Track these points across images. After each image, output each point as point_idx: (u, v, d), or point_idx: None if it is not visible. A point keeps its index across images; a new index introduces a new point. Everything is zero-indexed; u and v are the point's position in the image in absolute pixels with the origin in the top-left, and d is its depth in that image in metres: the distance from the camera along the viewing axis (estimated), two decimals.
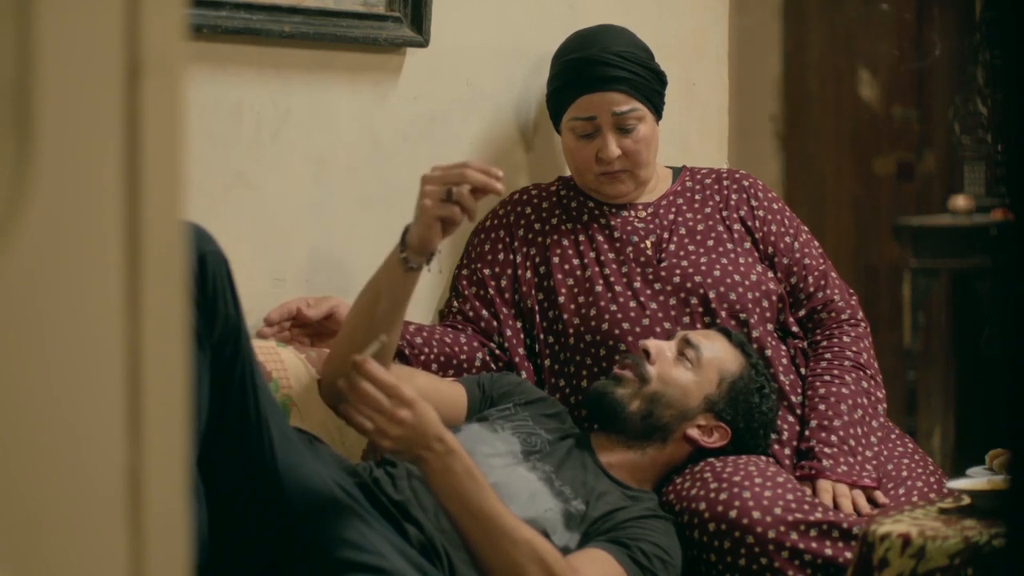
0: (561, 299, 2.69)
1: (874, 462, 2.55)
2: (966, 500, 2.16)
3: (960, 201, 4.01)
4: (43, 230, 0.81)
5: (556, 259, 2.73)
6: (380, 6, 2.74)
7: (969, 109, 4.11)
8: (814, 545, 2.33)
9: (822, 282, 2.76)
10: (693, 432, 2.46)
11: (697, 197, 2.81)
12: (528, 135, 3.00)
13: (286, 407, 2.37)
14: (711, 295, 2.65)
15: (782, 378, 2.63)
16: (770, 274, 2.72)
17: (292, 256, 2.65)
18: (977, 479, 2.19)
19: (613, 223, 2.76)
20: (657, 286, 2.68)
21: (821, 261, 2.79)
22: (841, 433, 2.54)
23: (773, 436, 2.56)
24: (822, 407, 2.58)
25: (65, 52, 0.82)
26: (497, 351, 2.70)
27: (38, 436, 0.82)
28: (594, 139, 2.72)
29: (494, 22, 2.95)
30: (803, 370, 2.68)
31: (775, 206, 2.82)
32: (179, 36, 0.86)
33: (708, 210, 2.79)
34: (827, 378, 2.63)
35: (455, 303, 2.75)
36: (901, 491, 2.53)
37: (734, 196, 2.81)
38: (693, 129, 3.34)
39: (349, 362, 2.06)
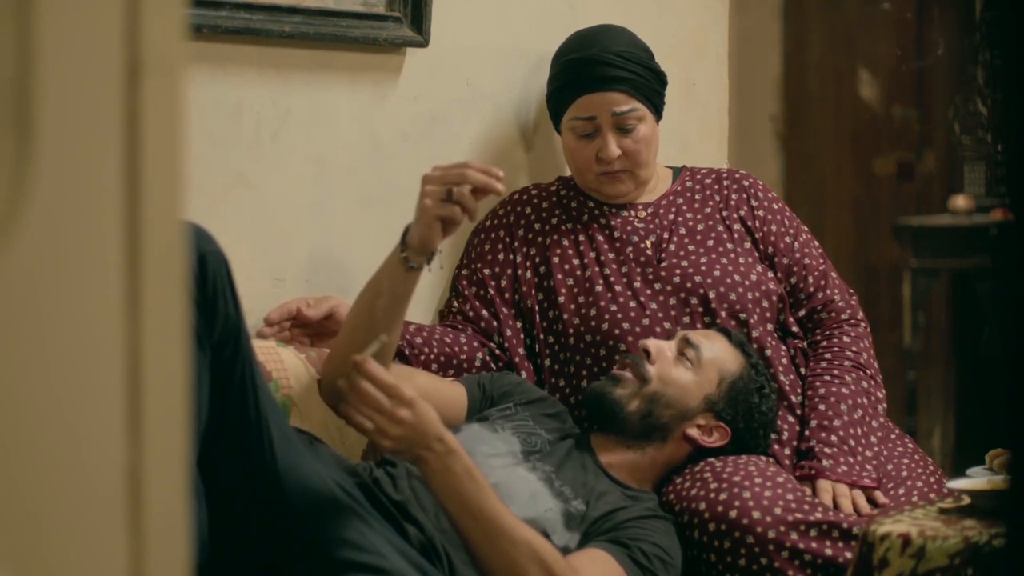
0: (561, 299, 2.69)
1: (874, 462, 2.55)
2: (966, 500, 2.16)
3: (960, 201, 4.01)
4: (43, 230, 0.81)
5: (556, 259, 2.73)
6: (380, 6, 2.74)
7: (969, 109, 4.11)
8: (814, 545, 2.32)
9: (822, 282, 2.76)
10: (693, 432, 2.46)
11: (697, 197, 2.81)
12: (528, 135, 3.00)
13: (286, 407, 2.37)
14: (711, 295, 2.65)
15: (782, 378, 2.63)
16: (770, 274, 2.72)
17: (292, 256, 2.65)
18: (977, 479, 2.19)
19: (613, 223, 2.76)
20: (657, 286, 2.68)
21: (821, 261, 2.79)
22: (841, 433, 2.54)
23: (773, 436, 2.56)
24: (822, 407, 2.58)
25: (65, 52, 0.82)
26: (497, 351, 2.70)
27: (38, 436, 0.82)
28: (594, 139, 2.72)
29: (494, 22, 2.95)
30: (803, 370, 2.68)
31: (775, 206, 2.82)
32: (179, 36, 0.86)
33: (708, 210, 2.79)
34: (827, 378, 2.63)
35: (455, 303, 2.75)
36: (901, 491, 2.53)
37: (734, 196, 2.81)
38: (693, 129, 3.34)
39: (349, 362, 2.06)
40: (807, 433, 2.56)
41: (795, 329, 2.72)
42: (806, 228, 2.84)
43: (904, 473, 2.58)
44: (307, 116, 2.65)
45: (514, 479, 2.32)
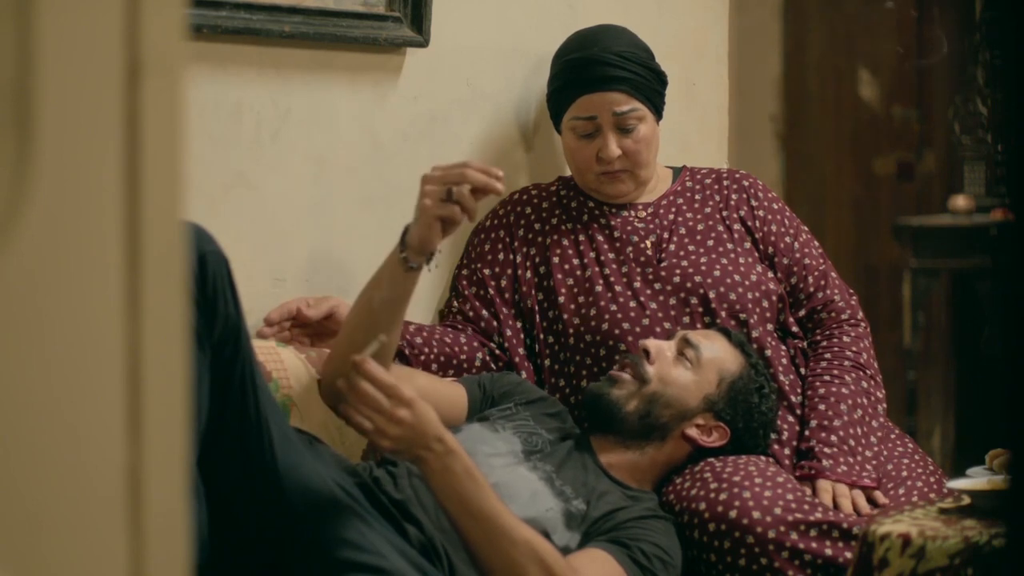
0: (561, 299, 2.69)
1: (874, 462, 2.55)
2: (966, 500, 2.16)
3: (960, 201, 4.01)
4: (43, 230, 0.81)
5: (556, 259, 2.73)
6: (380, 6, 2.74)
7: (969, 109, 4.11)
8: (814, 545, 2.32)
9: (822, 282, 2.76)
10: (692, 432, 2.46)
11: (697, 197, 2.81)
12: (528, 135, 3.00)
13: (286, 407, 2.37)
14: (711, 295, 2.65)
15: (782, 378, 2.63)
16: (770, 274, 2.72)
17: (292, 256, 2.65)
18: (977, 479, 2.19)
19: (613, 223, 2.76)
20: (657, 286, 2.68)
21: (821, 261, 2.79)
22: (841, 433, 2.54)
23: (773, 436, 2.56)
24: (822, 407, 2.58)
25: (65, 52, 0.82)
26: (497, 351, 2.70)
27: (38, 436, 0.82)
28: (594, 139, 2.72)
29: (494, 22, 2.95)
30: (803, 370, 2.68)
31: (775, 206, 2.82)
32: (179, 36, 0.86)
33: (708, 210, 2.79)
34: (827, 378, 2.63)
35: (455, 303, 2.75)
36: (901, 491, 2.53)
37: (734, 196, 2.81)
38: (693, 129, 3.34)
39: (349, 362, 2.06)
40: (807, 433, 2.56)
41: (795, 329, 2.72)
42: (806, 228, 2.84)
43: (904, 473, 2.58)
44: (307, 116, 2.65)
45: (515, 479, 2.32)
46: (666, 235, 2.75)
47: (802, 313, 2.74)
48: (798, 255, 2.77)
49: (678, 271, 2.69)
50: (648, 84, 2.73)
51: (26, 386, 0.81)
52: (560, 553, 2.16)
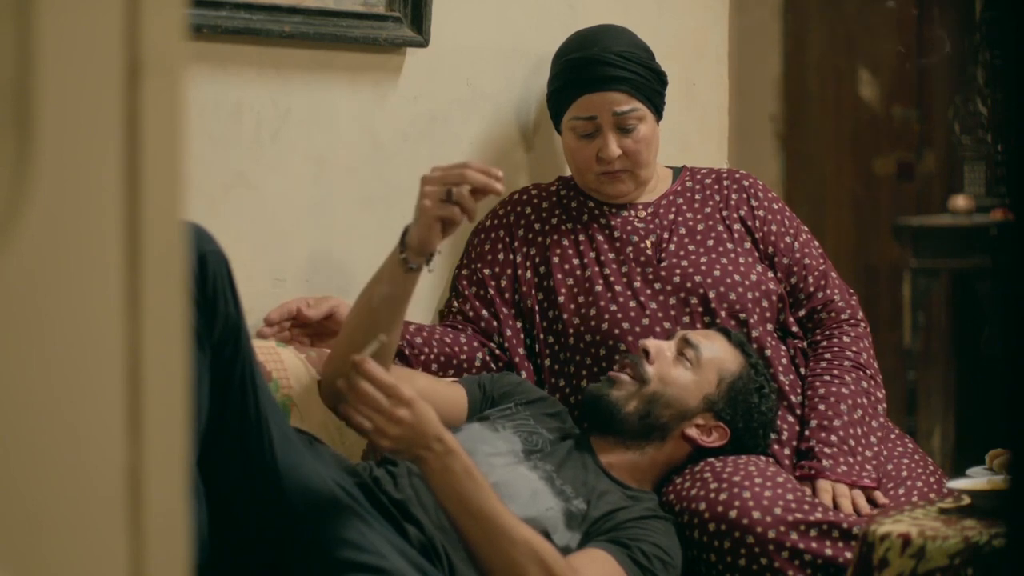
0: (561, 299, 2.69)
1: (874, 462, 2.55)
2: (966, 500, 2.16)
3: (960, 201, 4.01)
4: (43, 230, 0.81)
5: (556, 259, 2.73)
6: (380, 6, 2.74)
7: (969, 109, 4.11)
8: (814, 545, 2.32)
9: (822, 282, 2.76)
10: (692, 431, 2.46)
11: (697, 197, 2.82)
12: (528, 135, 3.00)
13: (286, 407, 2.37)
14: (711, 295, 2.65)
15: (782, 378, 2.63)
16: (770, 274, 2.73)
17: (292, 256, 2.65)
18: (977, 479, 2.19)
19: (613, 223, 2.76)
20: (657, 286, 2.68)
21: (821, 261, 2.79)
22: (841, 433, 2.54)
23: (773, 436, 2.56)
24: (822, 407, 2.58)
25: (65, 52, 0.82)
26: (497, 351, 2.70)
27: (38, 436, 0.82)
28: (595, 139, 2.72)
29: (494, 22, 2.95)
30: (803, 370, 2.68)
31: (775, 206, 2.82)
32: (179, 36, 0.86)
33: (708, 210, 2.79)
34: (827, 378, 2.63)
35: (455, 303, 2.75)
36: (901, 491, 2.53)
37: (734, 196, 2.81)
38: (693, 129, 3.34)
39: (349, 362, 2.06)
40: (807, 433, 2.56)
41: (795, 329, 2.72)
42: (806, 228, 2.84)
43: (904, 473, 2.58)
44: (307, 116, 2.65)
45: (515, 478, 2.32)
46: (666, 235, 2.75)
47: (802, 313, 2.74)
48: (798, 255, 2.77)
49: (678, 271, 2.69)
50: (648, 84, 2.73)
51: (26, 386, 0.81)
52: (560, 553, 2.16)
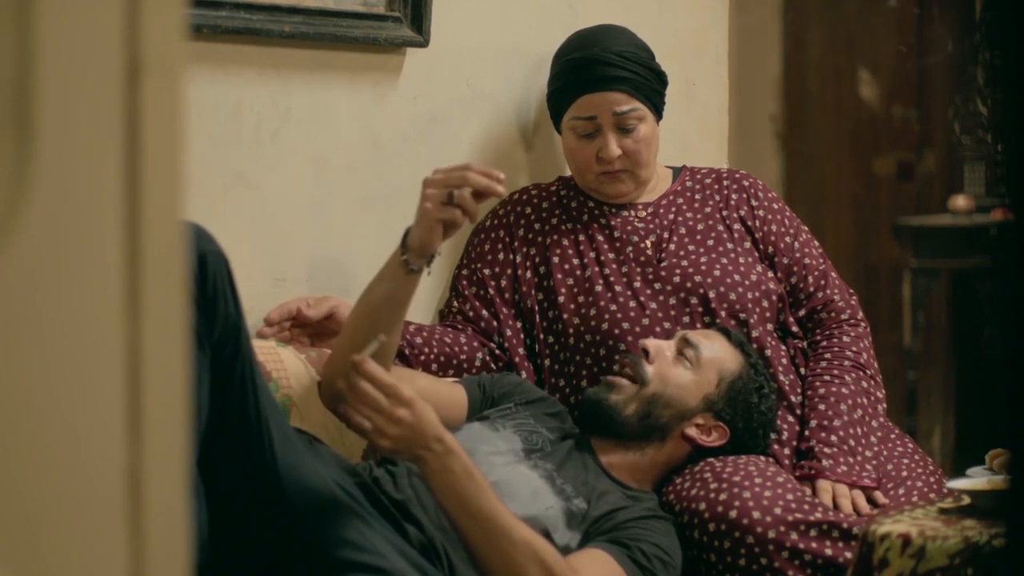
0: (561, 299, 2.69)
1: (874, 462, 2.55)
2: (966, 500, 2.15)
3: (960, 201, 4.01)
4: (43, 230, 0.81)
5: (556, 259, 2.73)
6: (380, 6, 2.74)
7: (969, 109, 4.11)
8: (814, 545, 2.32)
9: (822, 282, 2.76)
10: (692, 431, 2.46)
11: (697, 197, 2.81)
12: (528, 135, 3.00)
13: (286, 407, 2.37)
14: (711, 295, 2.65)
15: (782, 378, 2.63)
16: (770, 274, 2.72)
17: (292, 256, 2.65)
18: (977, 479, 2.19)
19: (613, 223, 2.76)
20: (657, 286, 2.68)
21: (821, 261, 2.79)
22: (841, 433, 2.54)
23: (773, 436, 2.56)
24: (822, 407, 2.58)
25: (65, 52, 0.82)
26: (497, 351, 2.70)
27: (38, 436, 0.82)
28: (595, 139, 2.72)
29: (494, 22, 2.95)
30: (803, 370, 2.68)
31: (775, 206, 2.82)
32: (179, 36, 0.86)
33: (708, 210, 2.79)
34: (827, 378, 2.63)
35: (455, 303, 2.75)
36: (901, 491, 2.53)
37: (734, 196, 2.81)
38: (693, 129, 3.34)
39: (349, 362, 2.06)
40: (807, 433, 2.56)
41: (795, 329, 2.72)
42: (806, 228, 2.84)
43: (904, 473, 2.58)
44: (307, 116, 2.65)
45: (515, 477, 2.32)
46: (666, 235, 2.75)
47: (802, 313, 2.74)
48: (798, 255, 2.77)
49: (678, 271, 2.69)
50: (648, 84, 2.73)
51: (26, 386, 0.81)
52: (560, 553, 2.16)
